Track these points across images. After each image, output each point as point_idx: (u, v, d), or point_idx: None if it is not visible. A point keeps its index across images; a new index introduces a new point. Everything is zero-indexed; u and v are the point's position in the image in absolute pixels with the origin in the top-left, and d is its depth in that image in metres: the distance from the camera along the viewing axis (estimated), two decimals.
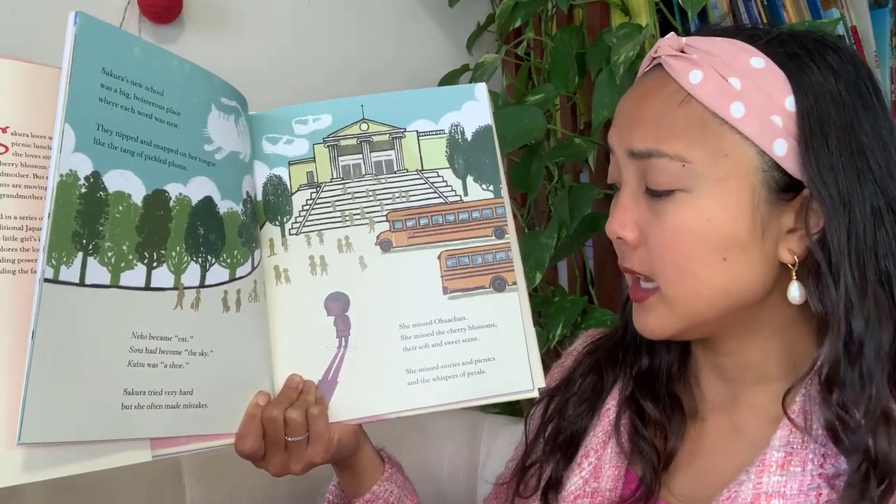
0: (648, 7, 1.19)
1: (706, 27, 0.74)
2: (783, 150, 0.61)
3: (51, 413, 0.55)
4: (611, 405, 0.74)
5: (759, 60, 0.62)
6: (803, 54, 0.62)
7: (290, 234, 0.74)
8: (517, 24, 1.35)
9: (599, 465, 0.72)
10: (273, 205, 0.74)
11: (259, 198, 0.74)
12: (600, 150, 1.25)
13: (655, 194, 0.63)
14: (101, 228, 0.58)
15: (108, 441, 0.59)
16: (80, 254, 0.57)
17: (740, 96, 0.61)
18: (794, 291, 0.63)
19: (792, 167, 0.61)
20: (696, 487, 0.68)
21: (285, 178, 0.75)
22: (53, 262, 0.55)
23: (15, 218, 0.58)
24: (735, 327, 0.66)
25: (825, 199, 0.60)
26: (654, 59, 0.66)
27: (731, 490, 0.63)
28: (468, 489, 1.12)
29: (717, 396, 0.71)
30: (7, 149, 0.59)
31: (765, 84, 0.61)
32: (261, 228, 0.74)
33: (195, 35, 1.37)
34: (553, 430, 0.76)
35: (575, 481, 0.72)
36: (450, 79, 1.51)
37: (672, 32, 0.66)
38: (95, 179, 0.58)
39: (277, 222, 0.74)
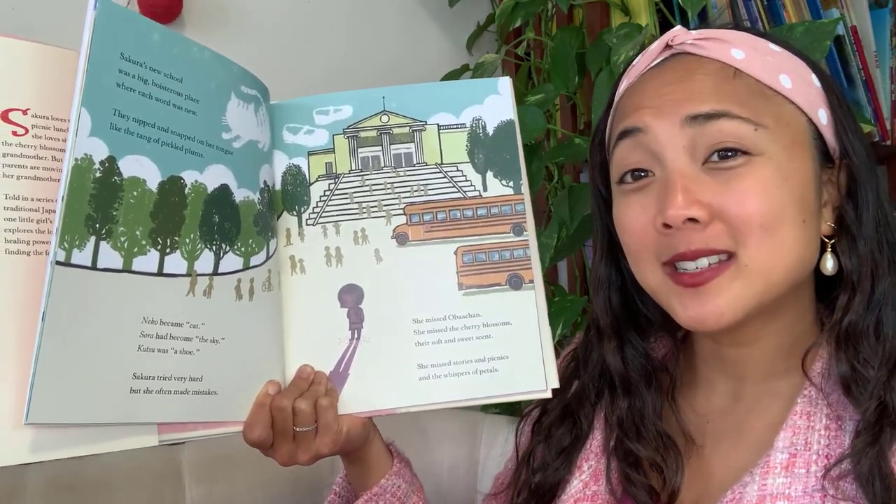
0: (648, 7, 1.20)
1: (706, 26, 0.74)
2: (825, 118, 0.64)
3: (58, 394, 0.55)
4: (597, 435, 0.73)
5: (775, 46, 0.66)
6: (800, 50, 0.68)
7: (306, 225, 0.74)
8: (517, 24, 1.36)
9: (599, 468, 0.71)
10: (291, 194, 0.74)
11: (278, 187, 0.74)
12: None
13: (720, 166, 0.61)
14: (114, 213, 0.59)
15: (116, 424, 0.59)
16: (93, 238, 0.57)
17: (783, 69, 0.64)
18: (830, 262, 0.65)
19: (829, 136, 0.64)
20: (701, 491, 0.67)
21: (304, 169, 0.75)
22: (66, 246, 0.55)
23: (32, 199, 0.59)
24: (773, 311, 0.65)
25: (860, 162, 0.64)
26: (670, 47, 0.66)
27: (736, 491, 0.62)
28: (468, 489, 1.11)
29: (723, 399, 0.70)
30: (27, 130, 0.59)
31: (791, 63, 0.65)
32: (278, 218, 0.74)
33: (195, 35, 1.34)
34: (525, 482, 0.74)
35: (575, 484, 0.71)
36: (450, 79, 1.51)
37: (679, 25, 0.67)
38: (111, 164, 0.58)
39: (295, 212, 0.74)
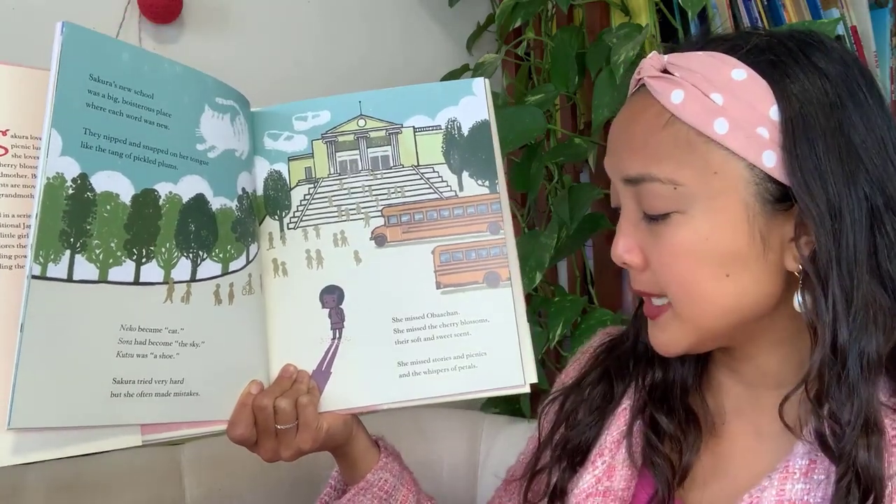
0: (648, 7, 1.19)
1: (689, 41, 0.72)
2: (772, 160, 0.60)
3: (40, 400, 0.58)
4: (626, 405, 0.74)
5: (740, 72, 0.61)
6: (787, 59, 0.61)
7: (288, 229, 0.76)
8: (517, 24, 1.36)
9: (613, 464, 0.71)
10: (273, 199, 0.77)
11: (260, 192, 0.76)
12: (600, 149, 1.25)
13: (652, 218, 0.63)
14: (88, 227, 0.62)
15: (98, 427, 0.62)
16: (68, 251, 0.60)
17: (723, 112, 0.60)
18: (797, 301, 0.61)
19: (782, 177, 0.60)
20: (718, 494, 0.68)
21: (285, 174, 0.77)
22: (41, 260, 0.59)
23: (13, 216, 0.62)
24: (749, 336, 0.66)
25: (811, 206, 0.59)
26: (639, 80, 0.66)
27: (753, 496, 0.62)
28: (468, 489, 1.12)
29: (738, 401, 0.70)
30: (7, 150, 0.63)
31: (747, 96, 0.60)
32: (261, 223, 0.76)
33: (195, 35, 1.39)
34: (562, 437, 0.76)
35: (587, 479, 0.71)
36: (450, 79, 1.51)
37: (654, 52, 0.66)
38: (83, 181, 0.61)
39: (277, 216, 0.77)
